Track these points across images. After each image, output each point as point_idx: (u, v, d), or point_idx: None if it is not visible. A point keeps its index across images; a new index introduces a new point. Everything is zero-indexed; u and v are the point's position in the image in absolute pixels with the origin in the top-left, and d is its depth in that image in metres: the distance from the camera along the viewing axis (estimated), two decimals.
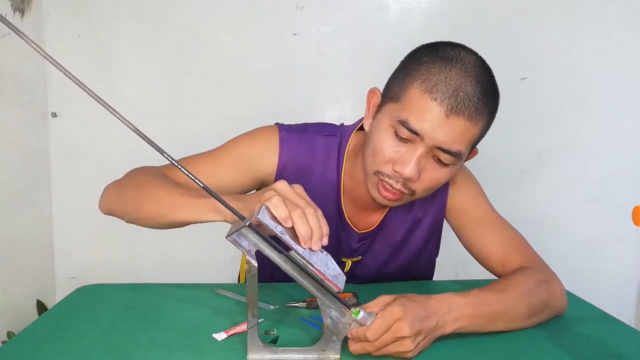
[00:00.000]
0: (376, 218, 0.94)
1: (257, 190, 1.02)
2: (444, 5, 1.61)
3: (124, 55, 1.62)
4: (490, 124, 0.80)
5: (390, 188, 0.78)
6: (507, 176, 1.69)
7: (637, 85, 1.64)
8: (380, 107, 0.82)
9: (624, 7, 1.60)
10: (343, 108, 1.66)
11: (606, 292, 1.63)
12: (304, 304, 0.84)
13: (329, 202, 0.91)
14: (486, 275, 1.01)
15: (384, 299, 0.67)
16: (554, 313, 0.81)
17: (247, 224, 0.60)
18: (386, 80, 0.86)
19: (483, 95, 0.74)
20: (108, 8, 1.60)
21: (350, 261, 0.96)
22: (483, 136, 0.81)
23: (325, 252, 0.65)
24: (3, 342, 1.33)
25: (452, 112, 0.72)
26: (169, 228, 0.83)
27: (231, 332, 0.73)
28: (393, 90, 0.79)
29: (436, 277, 1.06)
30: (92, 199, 1.68)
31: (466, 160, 0.85)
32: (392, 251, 0.96)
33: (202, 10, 1.61)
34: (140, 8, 1.61)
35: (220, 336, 0.73)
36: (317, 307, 0.81)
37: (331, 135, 0.92)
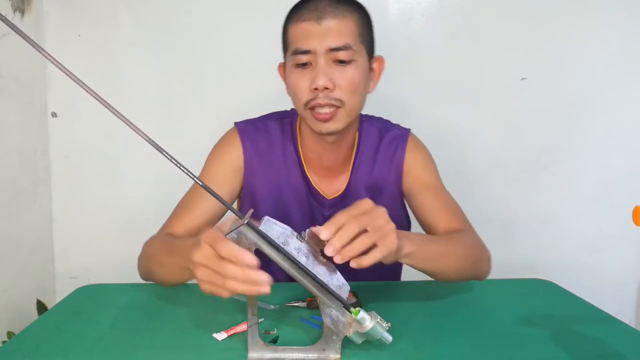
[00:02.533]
0: (341, 184, 1.02)
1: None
2: (444, 5, 1.61)
3: (124, 55, 1.62)
4: (368, 23, 0.92)
5: (320, 109, 0.88)
6: (507, 176, 1.69)
7: (637, 85, 1.64)
8: (285, 68, 0.95)
9: (624, 8, 1.60)
10: None
11: (606, 292, 1.63)
12: (304, 304, 0.84)
13: (295, 175, 1.01)
14: None
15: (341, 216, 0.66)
16: (480, 273, 0.92)
17: (245, 222, 0.60)
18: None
19: (339, 1, 0.88)
20: (108, 8, 1.60)
21: None
22: (369, 34, 0.92)
23: (329, 262, 0.65)
24: (3, 342, 1.33)
25: (320, 19, 0.86)
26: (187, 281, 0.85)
27: (231, 332, 0.74)
28: (283, 46, 0.95)
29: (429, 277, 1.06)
30: (92, 199, 1.70)
31: (377, 71, 0.95)
32: None
33: (201, 10, 1.61)
34: (140, 8, 1.61)
35: (221, 336, 0.73)
36: (317, 307, 0.81)
37: (283, 118, 1.05)
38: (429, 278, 1.05)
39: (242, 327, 0.75)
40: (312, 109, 0.89)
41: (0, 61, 1.41)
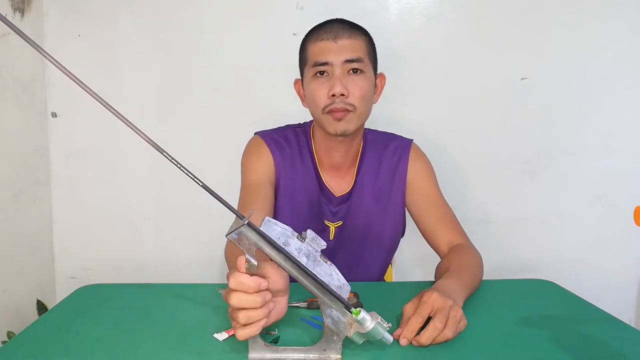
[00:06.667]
0: (348, 184, 1.13)
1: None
2: (444, 5, 1.61)
3: (124, 55, 1.62)
4: (373, 46, 1.07)
5: (337, 111, 1.00)
6: (507, 176, 1.69)
7: (637, 85, 1.64)
8: (302, 83, 1.09)
9: (624, 7, 1.60)
10: None
11: (606, 292, 1.63)
12: (305, 304, 0.84)
13: (310, 174, 1.12)
14: (484, 276, 1.01)
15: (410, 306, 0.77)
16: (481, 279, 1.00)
17: (246, 222, 0.60)
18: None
19: (350, 24, 1.05)
20: (108, 8, 1.60)
21: (333, 226, 1.13)
22: (374, 55, 1.07)
23: (329, 263, 0.65)
24: (3, 342, 1.33)
25: (337, 38, 1.01)
26: None
27: (232, 332, 0.73)
28: (301, 63, 1.08)
29: (431, 277, 1.07)
30: (92, 199, 1.70)
31: (380, 86, 1.09)
32: (366, 218, 1.12)
33: (202, 10, 1.61)
34: (140, 8, 1.61)
35: (221, 336, 0.73)
36: (318, 307, 0.81)
37: (298, 127, 1.17)
38: (428, 278, 1.06)
39: None
40: (329, 112, 1.01)
41: (0, 61, 1.41)
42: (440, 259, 1.06)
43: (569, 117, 1.66)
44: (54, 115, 1.65)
